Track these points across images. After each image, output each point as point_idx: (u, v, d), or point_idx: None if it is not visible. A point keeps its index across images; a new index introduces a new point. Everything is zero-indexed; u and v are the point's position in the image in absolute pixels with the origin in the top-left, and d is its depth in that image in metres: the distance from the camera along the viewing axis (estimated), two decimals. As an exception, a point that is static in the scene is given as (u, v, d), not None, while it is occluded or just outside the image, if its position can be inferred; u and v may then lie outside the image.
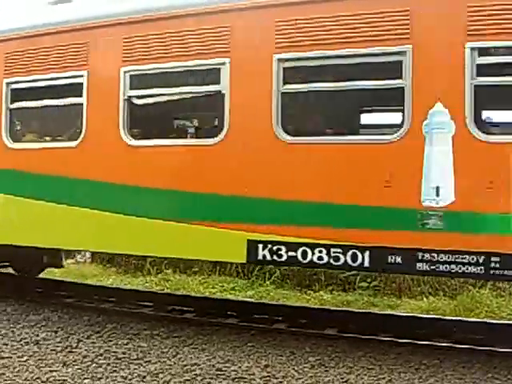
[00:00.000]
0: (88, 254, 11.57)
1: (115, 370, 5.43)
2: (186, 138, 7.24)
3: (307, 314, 7.33)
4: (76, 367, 5.50)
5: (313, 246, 5.73)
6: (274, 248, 5.88)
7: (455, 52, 5.22)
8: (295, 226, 5.80)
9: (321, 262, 5.76)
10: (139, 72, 6.67)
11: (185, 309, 7.77)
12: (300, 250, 5.78)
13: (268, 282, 9.69)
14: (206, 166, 6.27)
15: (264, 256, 5.93)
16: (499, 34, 5.13)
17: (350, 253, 5.62)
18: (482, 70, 5.20)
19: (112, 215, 6.63)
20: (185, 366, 5.60)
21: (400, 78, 5.45)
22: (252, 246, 5.95)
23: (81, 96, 6.98)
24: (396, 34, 5.47)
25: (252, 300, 8.67)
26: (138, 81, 6.72)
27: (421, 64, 5.35)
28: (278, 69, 5.88)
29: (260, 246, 5.93)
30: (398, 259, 5.43)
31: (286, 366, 5.62)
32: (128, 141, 6.71)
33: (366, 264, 5.59)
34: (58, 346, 6.15)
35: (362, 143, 5.81)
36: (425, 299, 8.63)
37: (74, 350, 6.02)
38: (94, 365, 5.57)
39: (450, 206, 5.23)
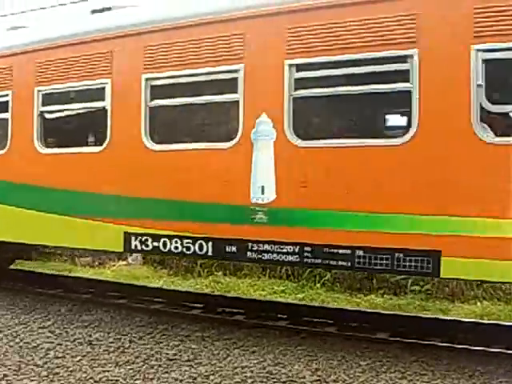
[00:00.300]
0: (140, 257, 11.80)
1: (166, 372, 5.53)
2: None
3: (358, 317, 7.27)
4: (128, 368, 5.63)
5: (171, 237, 6.79)
6: (143, 239, 6.98)
7: (278, 69, 6.07)
8: (156, 220, 6.93)
9: (176, 251, 6.81)
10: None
11: (235, 311, 7.82)
12: (161, 241, 6.84)
13: (318, 285, 9.65)
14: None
15: (136, 246, 7.09)
16: (312, 51, 5.95)
17: (197, 243, 6.62)
18: (299, 83, 6.06)
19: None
20: (235, 368, 5.64)
21: (236, 92, 6.39)
22: (127, 237, 7.08)
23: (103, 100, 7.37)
24: (231, 55, 6.38)
25: (302, 303, 8.64)
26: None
27: (251, 80, 6.27)
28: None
29: (133, 237, 6.99)
30: (234, 249, 6.44)
31: (336, 369, 5.60)
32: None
33: (210, 253, 6.62)
34: (110, 347, 6.31)
35: (208, 149, 6.68)
36: (478, 304, 8.42)
37: (126, 351, 6.17)
38: (145, 366, 5.69)
39: (272, 203, 6.15)
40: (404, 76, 5.55)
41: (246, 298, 8.66)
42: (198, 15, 6.72)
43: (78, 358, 5.93)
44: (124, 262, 11.94)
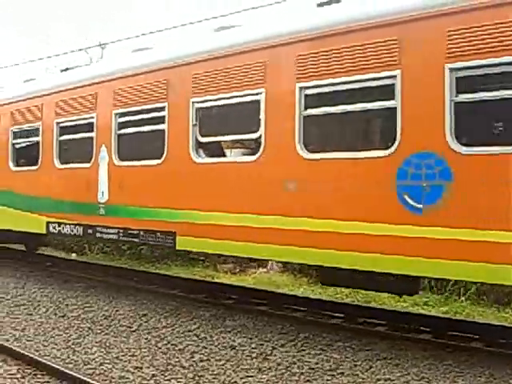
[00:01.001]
0: (280, 264, 11.98)
1: (308, 380, 5.56)
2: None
3: (506, 333, 6.80)
4: (271, 374, 5.74)
5: (65, 224, 10.53)
6: (55, 225, 10.70)
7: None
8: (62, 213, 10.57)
9: (67, 233, 10.61)
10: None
11: (376, 322, 7.67)
12: (62, 226, 10.61)
13: (463, 298, 9.22)
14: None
15: (53, 231, 10.86)
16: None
17: (72, 227, 10.39)
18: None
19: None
20: (378, 380, 5.54)
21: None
22: (48, 224, 10.84)
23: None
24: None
25: (447, 316, 8.28)
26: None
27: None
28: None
29: (50, 224, 10.76)
30: (90, 231, 10.02)
31: (488, 388, 5.28)
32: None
33: (80, 233, 10.32)
34: (253, 353, 6.48)
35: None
36: None
37: (268, 357, 6.30)
38: (287, 373, 5.77)
39: (107, 202, 9.61)
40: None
41: (387, 309, 8.45)
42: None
43: (222, 362, 6.16)
44: (264, 270, 12.19)
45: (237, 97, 7.70)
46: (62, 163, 10.70)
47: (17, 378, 5.66)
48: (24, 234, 12.01)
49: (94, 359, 6.25)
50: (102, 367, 6.00)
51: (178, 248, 8.51)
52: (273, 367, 5.95)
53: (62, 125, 10.73)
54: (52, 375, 5.68)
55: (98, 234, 9.84)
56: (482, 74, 5.71)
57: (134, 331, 7.47)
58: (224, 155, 8.26)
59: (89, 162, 9.97)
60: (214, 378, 5.63)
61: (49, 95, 11.05)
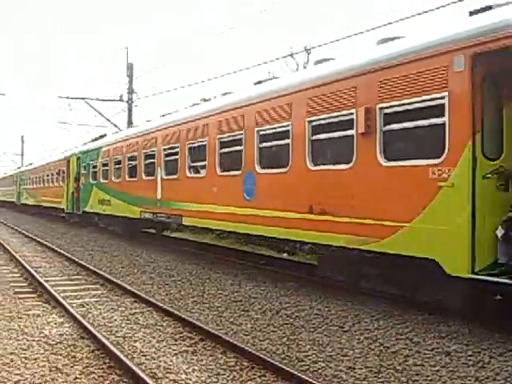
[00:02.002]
0: None
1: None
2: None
3: None
4: (489, 384, 5.57)
5: (146, 212, 17.76)
6: (143, 213, 17.92)
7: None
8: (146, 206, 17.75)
9: (147, 217, 17.76)
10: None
11: None
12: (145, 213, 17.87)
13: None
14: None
15: (142, 216, 18.08)
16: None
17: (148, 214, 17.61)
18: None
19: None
20: None
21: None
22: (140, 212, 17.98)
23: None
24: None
25: None
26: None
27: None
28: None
29: (141, 212, 17.97)
30: (155, 216, 17.05)
31: None
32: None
33: (151, 217, 17.43)
34: (469, 360, 6.35)
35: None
36: None
37: (485, 366, 6.14)
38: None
39: (160, 199, 16.44)
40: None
41: None
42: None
43: (437, 368, 6.15)
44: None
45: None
46: (146, 176, 17.91)
47: (235, 371, 6.25)
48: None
49: (307, 357, 6.64)
50: (315, 365, 6.35)
51: (183, 223, 15.36)
52: (490, 377, 5.79)
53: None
54: (268, 370, 6.16)
55: (157, 217, 16.84)
56: (320, 124, 9.69)
57: (346, 331, 7.73)
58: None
59: (153, 176, 17.05)
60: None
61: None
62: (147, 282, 11.81)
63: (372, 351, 6.82)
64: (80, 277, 12.64)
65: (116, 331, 7.85)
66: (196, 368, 6.31)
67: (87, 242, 20.13)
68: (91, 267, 13.38)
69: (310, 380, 5.65)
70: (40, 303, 9.79)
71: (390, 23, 12.72)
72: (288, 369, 6.01)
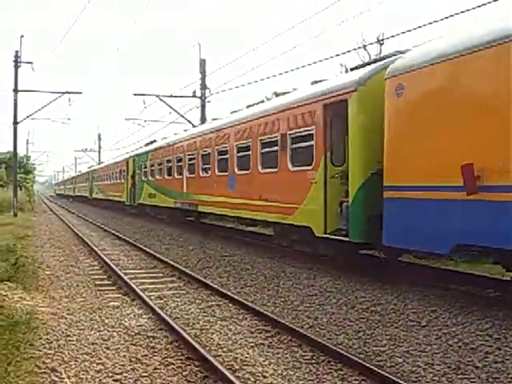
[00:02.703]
0: None
1: None
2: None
3: None
4: None
5: (176, 202, 23.65)
6: (176, 203, 23.82)
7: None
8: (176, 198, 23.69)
9: (177, 207, 23.68)
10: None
11: None
12: (176, 203, 23.70)
13: None
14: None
15: (175, 206, 23.97)
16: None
17: (177, 203, 23.61)
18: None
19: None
20: None
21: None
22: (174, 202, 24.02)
23: None
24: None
25: None
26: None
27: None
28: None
29: (174, 202, 23.94)
30: (181, 205, 23.04)
31: None
32: None
33: (180, 206, 23.22)
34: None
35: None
36: None
37: None
38: None
39: (185, 192, 22.70)
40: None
41: None
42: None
43: (519, 365, 5.96)
44: None
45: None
46: (177, 175, 23.52)
47: (312, 364, 6.31)
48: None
49: (384, 351, 6.63)
50: (392, 360, 6.33)
51: (199, 210, 20.59)
52: None
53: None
54: (345, 364, 6.19)
55: (183, 206, 22.39)
56: (264, 142, 14.99)
57: (423, 327, 7.64)
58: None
59: (181, 175, 22.86)
60: (509, 382, 5.51)
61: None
62: (223, 275, 12.04)
63: (450, 347, 6.72)
64: (157, 270, 13.03)
65: (193, 323, 8.07)
66: (272, 361, 6.41)
67: (159, 234, 20.68)
68: (168, 260, 13.77)
69: (388, 375, 5.63)
70: (119, 295, 10.18)
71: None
72: (365, 363, 6.02)
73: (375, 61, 12.04)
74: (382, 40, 22.12)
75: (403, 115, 9.67)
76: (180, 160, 23.00)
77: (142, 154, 31.13)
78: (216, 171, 18.59)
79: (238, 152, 16.70)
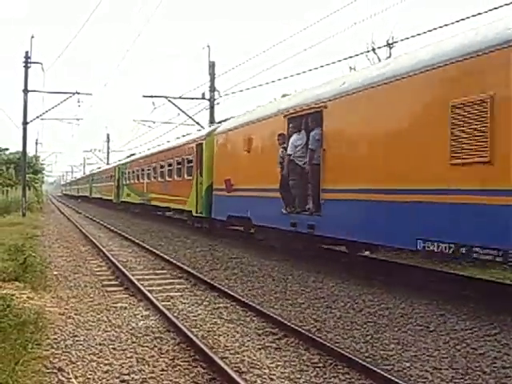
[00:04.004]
0: None
1: None
2: None
3: None
4: None
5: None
6: None
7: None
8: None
9: None
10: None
11: None
12: None
13: None
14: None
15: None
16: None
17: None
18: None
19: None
20: None
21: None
22: (139, 199, 35.61)
23: None
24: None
25: None
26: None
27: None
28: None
29: (139, 199, 34.95)
30: (145, 201, 33.06)
31: None
32: None
33: None
34: None
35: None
36: None
37: None
38: None
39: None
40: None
41: None
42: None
43: None
44: None
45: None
46: (140, 180, 34.51)
47: (319, 367, 6.30)
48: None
49: (392, 356, 6.62)
50: (399, 364, 6.32)
51: (151, 204, 30.84)
52: None
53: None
54: (352, 368, 6.17)
55: (143, 202, 32.77)
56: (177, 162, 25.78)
57: (431, 331, 7.63)
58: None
59: (142, 180, 33.94)
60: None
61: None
62: (230, 277, 12.05)
63: (458, 352, 6.70)
64: (165, 271, 13.06)
65: (200, 325, 8.08)
66: (280, 363, 6.41)
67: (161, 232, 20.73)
68: (176, 262, 13.80)
69: (395, 379, 5.62)
70: (127, 296, 10.21)
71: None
72: (372, 367, 6.00)
73: (220, 122, 22.44)
74: (392, 44, 22.06)
75: (219, 153, 19.33)
76: (142, 170, 33.62)
77: (123, 164, 41.94)
78: (158, 179, 29.21)
79: (164, 167, 27.68)
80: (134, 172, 36.26)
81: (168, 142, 31.15)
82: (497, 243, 7.81)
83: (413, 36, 14.82)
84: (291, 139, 13.32)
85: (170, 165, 26.30)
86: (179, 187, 23.92)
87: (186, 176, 23.13)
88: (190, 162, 22.53)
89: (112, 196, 44.46)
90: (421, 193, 9.23)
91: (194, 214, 21.26)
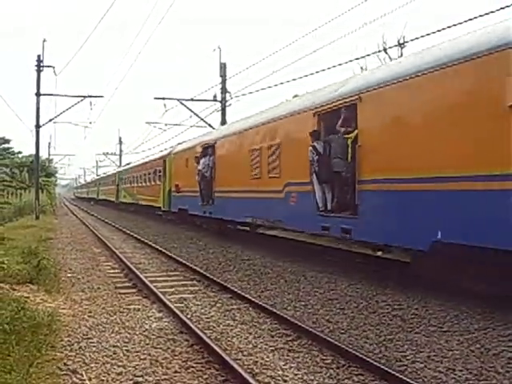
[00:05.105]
0: None
1: None
2: None
3: None
4: None
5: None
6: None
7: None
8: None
9: None
10: None
11: None
12: None
13: None
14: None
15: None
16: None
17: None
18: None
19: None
20: None
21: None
22: (132, 199, 45.32)
23: None
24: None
25: None
26: None
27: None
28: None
29: (131, 199, 45.18)
30: (134, 202, 42.76)
31: None
32: None
33: None
34: None
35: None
36: None
37: None
38: None
39: None
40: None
41: None
42: None
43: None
44: None
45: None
46: (130, 184, 44.91)
47: (332, 369, 6.31)
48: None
49: (405, 357, 6.60)
50: (413, 365, 6.31)
51: (139, 204, 39.66)
52: None
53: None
54: (365, 369, 6.17)
55: (134, 201, 42.02)
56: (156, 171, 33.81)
57: (445, 332, 7.60)
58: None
59: (134, 185, 43.96)
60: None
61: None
62: (243, 279, 12.07)
63: (472, 353, 6.67)
64: (178, 273, 13.11)
65: (213, 327, 8.11)
66: (293, 365, 6.42)
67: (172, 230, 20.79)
68: (189, 263, 13.84)
69: (409, 380, 5.61)
70: (140, 298, 10.26)
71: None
72: (386, 368, 6.00)
73: (183, 142, 28.58)
74: (403, 43, 21.99)
75: (173, 167, 27.67)
76: (133, 177, 41.78)
77: (122, 171, 51.29)
78: (142, 184, 37.40)
79: (146, 175, 36.15)
80: (127, 178, 45.37)
81: (154, 153, 40.42)
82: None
83: (422, 36, 14.75)
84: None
85: (149, 173, 35.11)
86: (154, 190, 32.64)
87: (157, 182, 31.83)
88: (160, 172, 31.27)
89: (114, 197, 52.92)
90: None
91: (162, 208, 29.85)
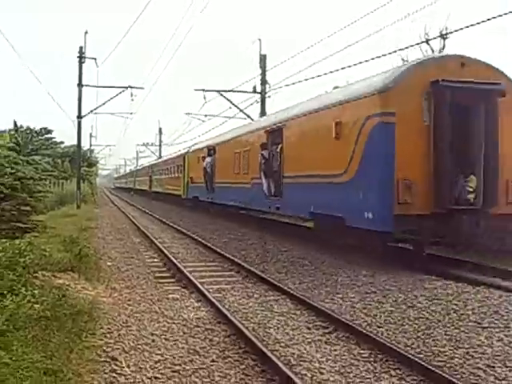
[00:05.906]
0: None
1: None
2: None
3: None
4: None
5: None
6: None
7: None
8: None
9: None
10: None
11: None
12: None
13: None
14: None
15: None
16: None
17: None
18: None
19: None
20: None
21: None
22: (161, 188, 53.15)
23: None
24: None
25: None
26: None
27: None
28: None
29: (162, 189, 53.16)
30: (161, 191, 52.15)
31: None
32: None
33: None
34: None
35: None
36: None
37: None
38: None
39: None
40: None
41: None
42: None
43: None
44: None
45: None
46: (158, 176, 53.24)
47: (369, 362, 6.30)
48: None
49: (443, 352, 6.54)
50: (452, 361, 6.25)
51: (154, 191, 55.47)
52: None
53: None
54: (403, 363, 6.14)
55: (151, 190, 57.90)
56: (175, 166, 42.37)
57: (484, 328, 7.50)
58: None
59: (150, 177, 60.18)
60: None
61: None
62: (280, 271, 12.11)
63: (513, 350, 6.56)
64: (216, 263, 13.22)
65: (251, 317, 8.17)
66: (330, 358, 6.43)
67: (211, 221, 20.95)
68: (227, 254, 13.94)
69: (448, 376, 5.56)
70: (179, 288, 10.38)
71: None
72: (424, 364, 5.96)
73: (196, 143, 35.55)
74: (446, 34, 21.57)
75: (188, 163, 35.28)
76: (162, 170, 48.53)
77: (154, 164, 58.99)
78: (169, 175, 43.73)
79: (170, 169, 43.31)
80: (158, 170, 52.38)
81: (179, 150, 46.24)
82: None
83: (467, 26, 14.48)
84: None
85: (173, 167, 41.66)
86: (177, 181, 38.90)
87: (179, 174, 38.13)
88: (181, 166, 37.44)
89: (147, 187, 59.60)
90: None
91: (182, 196, 36.30)
